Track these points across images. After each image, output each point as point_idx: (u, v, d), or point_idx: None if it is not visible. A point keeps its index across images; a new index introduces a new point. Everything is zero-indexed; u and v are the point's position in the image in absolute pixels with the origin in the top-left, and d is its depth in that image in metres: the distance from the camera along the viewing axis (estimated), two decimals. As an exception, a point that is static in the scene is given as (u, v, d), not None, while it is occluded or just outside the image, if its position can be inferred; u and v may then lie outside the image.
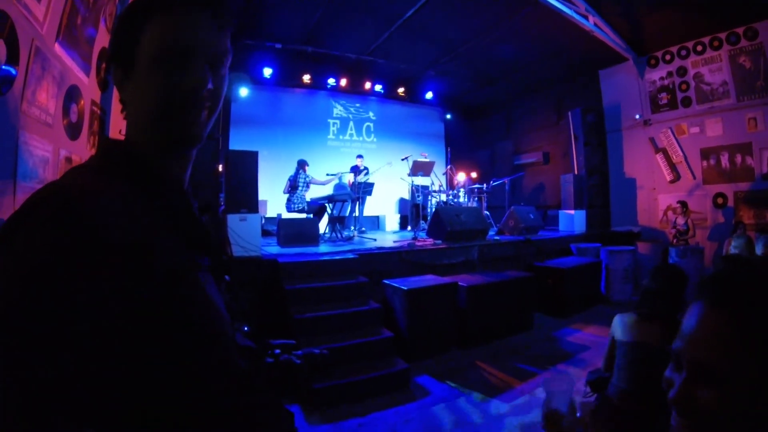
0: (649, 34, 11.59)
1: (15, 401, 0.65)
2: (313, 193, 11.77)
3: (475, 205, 12.78)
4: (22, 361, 0.67)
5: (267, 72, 13.69)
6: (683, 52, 11.65)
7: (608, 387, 3.05)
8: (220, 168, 8.08)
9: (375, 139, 16.99)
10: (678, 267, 3.14)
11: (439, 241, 9.36)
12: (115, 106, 4.74)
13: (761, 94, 10.23)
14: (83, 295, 0.71)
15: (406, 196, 14.07)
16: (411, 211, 12.62)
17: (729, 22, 10.45)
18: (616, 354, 3.06)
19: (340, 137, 16.36)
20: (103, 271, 0.74)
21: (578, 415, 1.22)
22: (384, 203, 15.74)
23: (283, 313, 6.34)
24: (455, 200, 13.01)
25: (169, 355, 0.82)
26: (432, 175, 12.13)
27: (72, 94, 3.57)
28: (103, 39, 4.22)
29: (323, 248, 8.60)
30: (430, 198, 12.93)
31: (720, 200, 11.14)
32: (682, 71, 11.72)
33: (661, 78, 12.23)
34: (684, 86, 11.72)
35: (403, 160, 11.74)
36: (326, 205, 10.79)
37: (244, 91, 12.67)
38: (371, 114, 17.00)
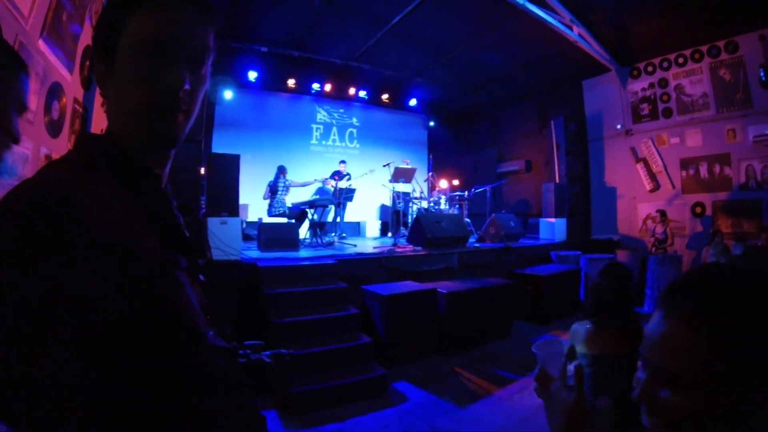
0: (633, 46, 11.74)
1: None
2: (295, 197, 11.74)
3: (456, 212, 12.81)
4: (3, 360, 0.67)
5: (252, 75, 13.63)
6: (665, 64, 11.80)
7: None
8: (202, 171, 8.04)
9: (358, 145, 16.97)
10: (622, 265, 3.20)
11: (420, 248, 9.38)
12: (98, 105, 4.71)
13: (740, 107, 10.39)
14: (59, 290, 0.71)
15: (388, 202, 14.06)
16: (392, 217, 12.61)
17: (710, 35, 10.61)
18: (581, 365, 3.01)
19: (323, 142, 16.33)
20: (80, 266, 0.74)
21: (570, 382, 1.23)
22: (365, 209, 15.68)
23: (261, 317, 6.31)
24: (436, 207, 13.02)
25: (145, 353, 0.81)
26: (413, 181, 12.16)
27: (54, 92, 3.55)
28: (87, 37, 4.19)
29: (303, 253, 8.56)
30: (411, 205, 12.95)
31: (698, 209, 11.28)
32: (663, 82, 11.87)
33: (643, 89, 12.37)
34: (665, 97, 11.87)
35: (384, 166, 11.73)
36: (307, 210, 10.76)
37: (228, 94, 12.64)
38: (355, 120, 16.98)
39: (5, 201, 0.77)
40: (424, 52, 13.01)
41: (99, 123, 4.82)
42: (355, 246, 10.14)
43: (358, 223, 15.55)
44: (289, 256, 8.03)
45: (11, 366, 0.67)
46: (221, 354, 1.05)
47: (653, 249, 11.11)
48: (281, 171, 11.23)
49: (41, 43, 3.26)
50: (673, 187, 11.83)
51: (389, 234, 13.14)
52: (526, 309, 9.18)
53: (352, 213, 14.21)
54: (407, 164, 12.67)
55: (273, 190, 11.06)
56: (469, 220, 12.67)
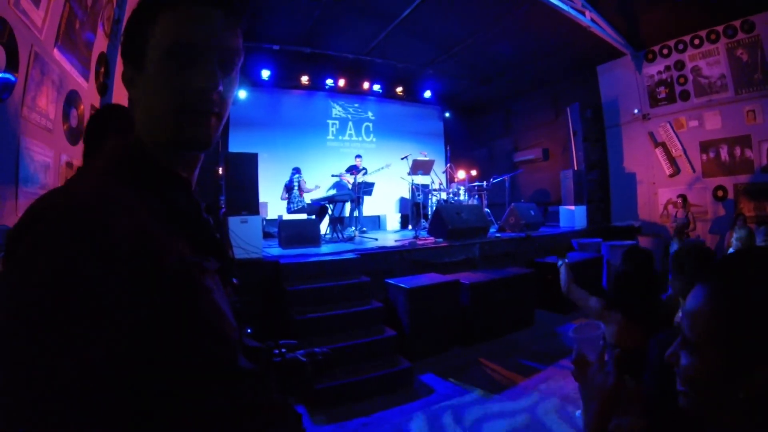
0: (647, 29, 11.61)
1: (27, 406, 0.66)
2: (313, 193, 11.78)
3: (475, 202, 12.75)
4: (31, 369, 0.67)
5: (265, 74, 13.68)
6: (680, 46, 11.66)
7: None
8: (220, 170, 8.07)
9: (374, 139, 16.99)
10: (645, 250, 3.19)
11: (441, 240, 9.35)
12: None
13: (759, 87, 10.25)
14: (92, 300, 0.71)
15: (407, 195, 14.02)
16: (411, 210, 12.58)
17: (726, 15, 10.46)
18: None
19: (340, 138, 16.37)
20: (111, 276, 0.74)
21: (609, 368, 1.23)
22: (384, 203, 15.73)
23: (284, 314, 6.34)
24: (455, 198, 12.97)
25: (178, 359, 0.82)
26: (432, 173, 12.12)
27: (71, 99, 3.57)
28: (101, 43, 4.23)
29: (324, 249, 8.57)
30: (430, 196, 12.91)
31: (720, 193, 11.16)
32: (679, 65, 11.74)
33: (659, 72, 12.25)
34: (682, 80, 11.74)
35: (402, 159, 11.73)
36: (327, 205, 10.78)
37: (242, 94, 12.68)
38: (370, 114, 17.00)
39: (34, 211, 0.78)
40: (435, 44, 12.99)
41: (117, 128, 4.85)
42: (376, 240, 10.12)
43: (378, 217, 15.59)
44: (311, 252, 8.03)
45: (38, 378, 0.67)
46: (253, 354, 1.06)
47: (675, 234, 11.00)
48: (296, 171, 11.32)
49: (56, 52, 3.28)
50: (693, 171, 11.71)
51: (410, 227, 13.11)
52: (548, 298, 9.09)
53: (371, 207, 14.27)
54: (425, 156, 12.64)
55: (289, 188, 11.13)
56: (488, 210, 12.64)
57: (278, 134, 14.78)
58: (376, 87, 16.12)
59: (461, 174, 13.82)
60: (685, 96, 11.73)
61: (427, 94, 17.25)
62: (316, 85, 15.22)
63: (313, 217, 10.63)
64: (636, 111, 12.92)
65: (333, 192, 11.42)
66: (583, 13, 10.41)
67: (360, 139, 16.75)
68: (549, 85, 15.80)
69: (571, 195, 12.74)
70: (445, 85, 16.84)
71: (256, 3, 9.98)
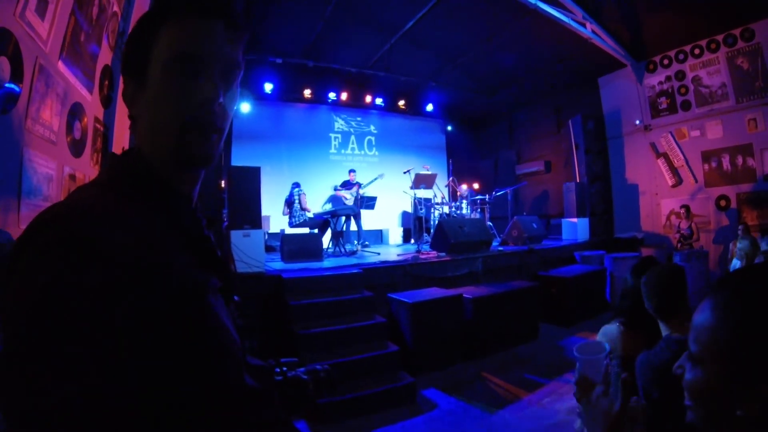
0: (647, 39, 11.68)
1: (33, 420, 0.65)
2: (316, 207, 11.80)
3: (478, 216, 12.76)
4: (34, 384, 0.66)
5: (268, 87, 13.73)
6: (681, 56, 11.71)
7: None
8: (223, 184, 8.08)
9: (377, 153, 17.01)
10: (655, 259, 3.14)
11: (443, 254, 9.33)
12: (119, 123, 4.75)
13: (760, 95, 10.27)
14: (93, 316, 0.70)
15: (409, 209, 14.01)
16: (414, 224, 12.59)
17: (726, 23, 10.52)
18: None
19: (342, 151, 16.40)
20: (112, 293, 0.73)
21: (612, 388, 1.20)
22: (387, 217, 15.73)
23: (287, 328, 6.30)
24: (458, 212, 12.96)
25: (180, 377, 0.81)
26: (434, 187, 12.13)
27: (75, 112, 3.58)
28: (105, 56, 4.24)
29: (327, 263, 8.55)
30: (432, 210, 12.87)
31: (723, 202, 11.14)
32: (680, 75, 11.78)
33: (660, 83, 12.28)
34: (683, 90, 11.77)
35: (405, 173, 11.76)
36: (329, 219, 10.78)
37: (245, 107, 12.73)
38: (372, 127, 17.04)
39: (35, 225, 0.78)
40: (437, 56, 13.09)
41: (120, 141, 4.87)
42: (379, 254, 10.11)
43: (381, 231, 15.58)
44: (313, 266, 8.01)
45: (41, 397, 0.66)
46: (256, 373, 1.04)
47: (678, 245, 11.01)
48: (295, 186, 11.35)
49: (61, 65, 3.29)
50: (696, 181, 11.70)
51: (412, 241, 13.12)
52: (551, 311, 9.08)
53: (374, 221, 14.28)
54: (427, 170, 12.67)
55: (290, 202, 11.17)
56: (491, 224, 12.63)
57: (281, 148, 14.82)
58: (379, 100, 16.15)
59: (463, 187, 13.83)
60: (686, 106, 11.75)
61: (430, 107, 17.29)
62: (319, 99, 15.27)
63: (316, 231, 10.63)
64: (637, 122, 12.93)
65: (329, 206, 11.44)
66: (584, 25, 10.47)
67: (362, 152, 16.77)
68: (551, 96, 15.85)
69: (574, 207, 12.75)
70: (447, 98, 16.91)
71: (260, 16, 10.05)
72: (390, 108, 16.77)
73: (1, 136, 2.56)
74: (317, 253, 9.10)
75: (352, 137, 16.65)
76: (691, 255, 10.09)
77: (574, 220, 12.72)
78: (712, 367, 0.92)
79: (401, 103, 16.69)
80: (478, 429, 5.19)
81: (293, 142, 15.09)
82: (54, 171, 3.20)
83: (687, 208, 11.06)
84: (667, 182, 12.35)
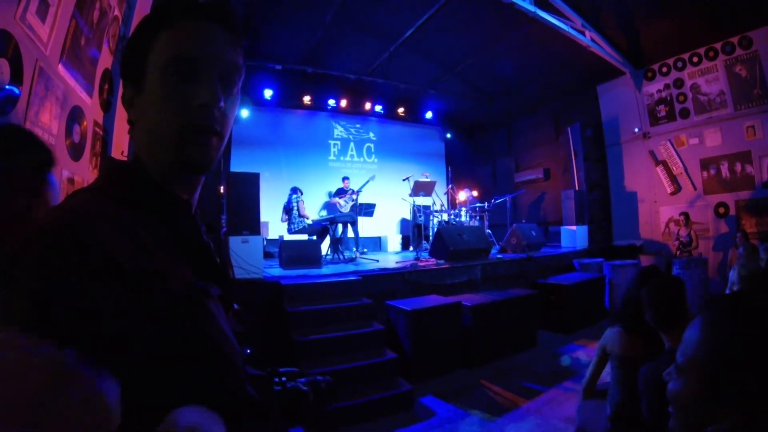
0: (646, 47, 11.73)
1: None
2: (313, 215, 11.80)
3: (476, 223, 12.77)
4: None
5: (267, 93, 13.77)
6: (679, 64, 11.75)
7: (607, 399, 3.16)
8: (222, 189, 8.07)
9: (376, 160, 17.01)
10: (658, 269, 3.23)
11: (442, 261, 9.32)
12: (118, 128, 4.75)
13: (758, 102, 10.31)
14: (90, 324, 0.69)
15: (408, 216, 14.04)
16: (413, 231, 12.59)
17: (723, 31, 10.58)
18: (611, 365, 3.19)
19: (341, 158, 16.40)
20: (110, 299, 0.71)
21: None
22: (385, 224, 15.73)
23: (285, 335, 6.27)
24: (457, 219, 12.98)
25: (181, 386, 0.80)
26: (433, 194, 12.14)
27: (75, 115, 3.57)
28: (106, 60, 4.24)
29: (326, 270, 8.53)
30: (431, 218, 12.91)
31: (722, 210, 11.15)
32: (679, 83, 11.82)
33: (659, 90, 12.32)
34: (681, 98, 11.80)
35: (404, 180, 11.77)
36: (328, 226, 10.77)
37: (244, 113, 12.74)
38: (372, 134, 17.05)
39: (30, 232, 0.76)
40: (436, 63, 13.13)
41: (119, 145, 4.87)
42: (377, 261, 10.09)
43: (379, 238, 15.59)
44: (312, 273, 7.99)
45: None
46: (255, 382, 1.03)
47: (677, 252, 11.00)
48: (293, 192, 11.35)
49: (61, 68, 3.29)
50: (695, 188, 11.72)
51: (411, 248, 13.11)
52: (550, 319, 9.07)
53: (372, 227, 14.28)
54: (426, 177, 12.68)
55: (288, 209, 11.16)
56: (490, 231, 12.62)
57: (280, 154, 14.81)
58: (378, 108, 16.22)
59: (462, 195, 13.83)
60: (684, 114, 11.78)
61: (429, 114, 17.34)
62: (318, 105, 15.29)
63: (314, 237, 10.62)
64: (636, 130, 12.96)
65: (324, 213, 11.44)
66: (583, 33, 10.52)
67: (361, 159, 16.78)
68: (550, 104, 15.91)
69: (573, 215, 12.75)
70: (446, 105, 16.98)
71: (260, 22, 10.08)
72: (389, 115, 16.83)
73: (0, 139, 2.52)
74: (316, 259, 9.09)
75: (351, 144, 16.66)
76: (690, 262, 10.08)
77: (573, 227, 12.72)
78: (692, 381, 0.99)
79: (400, 110, 16.75)
80: (476, 437, 5.18)
81: (292, 148, 15.09)
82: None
83: (686, 215, 11.07)
84: (666, 190, 12.37)
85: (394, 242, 15.62)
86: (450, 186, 14.27)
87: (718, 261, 10.88)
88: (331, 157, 16.21)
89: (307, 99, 14.72)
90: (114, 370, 0.69)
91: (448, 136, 18.88)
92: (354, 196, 11.97)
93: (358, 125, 16.76)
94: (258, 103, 13.73)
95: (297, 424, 1.34)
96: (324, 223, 10.81)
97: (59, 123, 3.30)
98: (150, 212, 0.93)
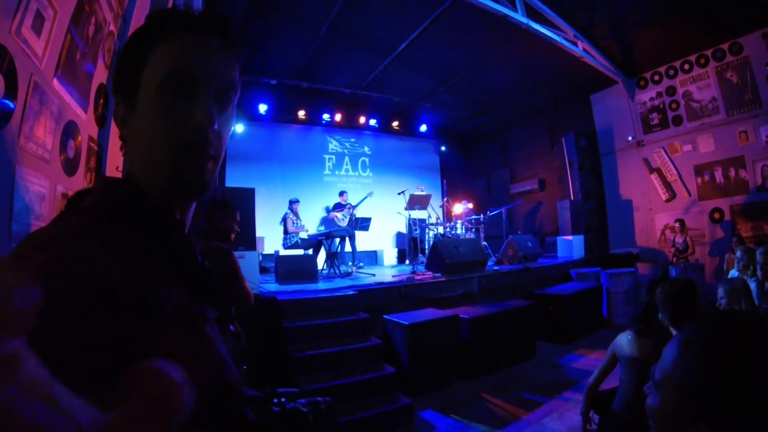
0: (637, 56, 11.83)
1: None
2: (311, 229, 11.80)
3: (473, 236, 12.75)
4: None
5: (262, 108, 13.82)
6: (671, 72, 11.86)
7: (614, 401, 3.24)
8: (217, 205, 8.05)
9: (371, 174, 17.02)
10: (675, 280, 3.23)
11: (439, 274, 9.29)
12: (113, 143, 4.73)
13: (750, 107, 10.39)
14: (82, 351, 0.65)
15: (403, 230, 14.07)
16: (408, 244, 12.61)
17: (714, 38, 10.69)
18: (620, 367, 3.30)
19: (336, 172, 16.41)
20: (103, 326, 0.68)
21: None
22: (381, 238, 15.74)
23: (282, 351, 6.24)
24: (453, 232, 12.96)
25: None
26: (429, 208, 12.14)
27: (69, 130, 3.55)
28: (101, 75, 4.23)
29: (322, 285, 8.50)
30: (427, 231, 12.90)
31: (717, 215, 11.19)
32: (671, 90, 11.91)
33: (651, 99, 12.42)
34: (674, 105, 11.89)
35: (399, 194, 11.78)
36: (323, 241, 10.75)
37: (240, 128, 12.77)
38: (366, 149, 17.07)
39: (18, 252, 0.72)
40: (430, 76, 13.17)
41: (114, 161, 4.84)
42: (374, 275, 10.09)
43: (375, 252, 15.56)
44: (308, 288, 7.96)
45: None
46: (254, 404, 1.02)
47: (674, 259, 11.01)
48: (289, 204, 11.36)
49: (55, 82, 3.28)
50: (689, 194, 11.78)
51: (407, 261, 13.14)
52: (549, 330, 9.07)
53: (368, 242, 14.27)
54: (422, 190, 12.71)
55: (283, 223, 11.17)
56: (486, 244, 12.60)
57: (275, 169, 14.82)
58: (373, 121, 16.28)
59: (458, 208, 13.84)
60: (677, 121, 11.86)
61: (423, 128, 17.44)
62: (313, 120, 15.35)
63: (310, 252, 10.60)
64: (630, 138, 13.03)
65: (323, 229, 11.42)
66: (575, 44, 10.59)
67: (357, 173, 16.79)
68: (544, 114, 16.01)
69: (569, 225, 12.77)
70: (441, 118, 17.04)
71: (254, 37, 10.11)
72: (384, 129, 16.88)
73: (-6, 153, 2.53)
74: (312, 274, 9.05)
75: (346, 158, 16.67)
76: (687, 268, 10.10)
77: (570, 237, 12.73)
78: (666, 397, 1.00)
79: (395, 123, 16.80)
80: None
81: (287, 163, 15.10)
82: (47, 190, 3.17)
83: (681, 222, 11.08)
84: (660, 197, 12.41)
85: (390, 256, 15.60)
86: (445, 199, 14.25)
87: (715, 266, 10.89)
88: (326, 172, 16.22)
89: (301, 113, 14.77)
90: (106, 395, 0.66)
91: (443, 148, 18.93)
92: (351, 211, 11.98)
93: (352, 139, 16.78)
94: (253, 117, 13.79)
95: None
96: (319, 238, 10.79)
97: (54, 138, 3.28)
98: (144, 232, 0.90)
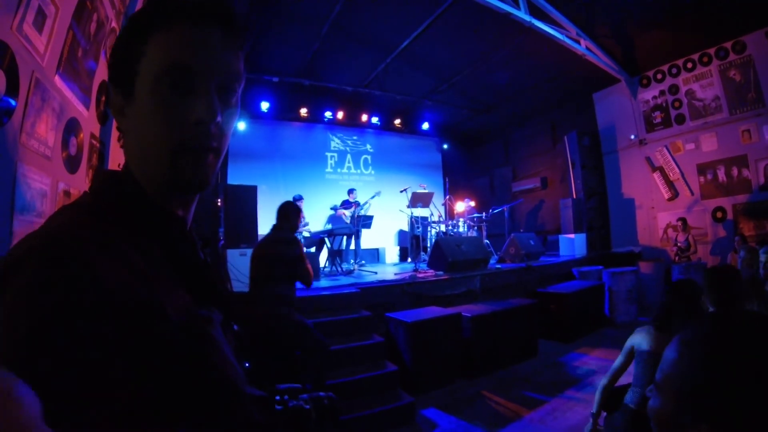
0: (640, 55, 11.80)
1: None
2: (313, 226, 11.76)
3: (475, 234, 12.73)
4: None
5: (264, 106, 13.78)
6: (674, 70, 11.83)
7: (627, 395, 3.26)
8: (219, 202, 8.04)
9: (373, 172, 17.01)
10: (693, 282, 3.30)
11: (441, 272, 9.28)
12: (115, 140, 4.74)
13: (753, 106, 10.37)
14: (84, 362, 0.63)
15: (406, 227, 14.04)
16: (411, 242, 12.58)
17: (717, 37, 10.67)
18: (635, 362, 3.30)
19: (338, 170, 16.40)
20: (104, 335, 0.65)
21: None
22: (383, 236, 15.72)
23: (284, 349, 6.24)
24: (455, 230, 12.96)
25: (189, 420, 0.76)
26: (431, 205, 12.13)
27: (71, 127, 3.55)
28: (103, 72, 4.22)
29: (324, 283, 8.50)
30: (429, 229, 12.90)
31: (719, 214, 11.18)
32: (674, 89, 11.88)
33: (654, 97, 12.40)
34: (677, 104, 11.87)
35: (402, 192, 11.76)
36: (325, 239, 10.74)
37: (242, 125, 12.75)
38: (368, 146, 17.06)
39: (11, 259, 0.70)
40: (432, 74, 13.16)
41: (116, 157, 4.84)
42: (376, 273, 10.09)
43: (377, 250, 15.58)
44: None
45: None
46: (258, 405, 0.98)
47: (676, 258, 10.98)
48: (294, 200, 11.34)
49: (57, 79, 3.27)
50: (692, 193, 11.76)
51: (409, 259, 13.10)
52: (551, 328, 9.04)
53: (370, 240, 14.26)
54: (424, 188, 12.67)
55: None
56: (488, 242, 12.60)
57: (277, 166, 14.81)
58: (375, 119, 16.24)
59: (460, 206, 13.82)
60: (680, 119, 11.84)
61: (425, 126, 17.38)
62: (315, 118, 15.31)
63: (312, 249, 10.59)
64: (632, 137, 13.03)
65: (329, 226, 11.40)
66: (578, 42, 10.56)
67: (359, 171, 16.78)
68: (546, 113, 15.98)
69: (571, 223, 12.76)
70: (443, 116, 17.03)
71: (257, 35, 10.10)
72: (386, 127, 16.84)
73: (-5, 150, 2.54)
74: (314, 272, 9.03)
75: (348, 156, 16.66)
76: (689, 267, 10.07)
77: (572, 236, 12.71)
78: (666, 398, 1.00)
79: (397, 121, 16.76)
80: (479, 448, 5.14)
81: (289, 161, 15.09)
82: (48, 187, 3.16)
83: (684, 220, 11.06)
84: (663, 196, 12.40)
85: (392, 254, 15.63)
86: (448, 197, 14.24)
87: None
88: (328, 170, 16.21)
89: (303, 111, 14.74)
90: (116, 409, 0.63)
91: (445, 147, 18.90)
92: (356, 209, 11.96)
93: (355, 137, 16.77)
94: (255, 115, 13.77)
95: None
96: (321, 236, 10.77)
97: (55, 135, 3.28)
98: (143, 231, 0.87)
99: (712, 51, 10.98)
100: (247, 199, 7.66)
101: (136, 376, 0.67)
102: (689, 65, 11.48)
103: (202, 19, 0.89)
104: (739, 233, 10.15)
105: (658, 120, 12.35)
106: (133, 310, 0.70)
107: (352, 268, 10.81)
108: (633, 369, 3.34)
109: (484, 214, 13.25)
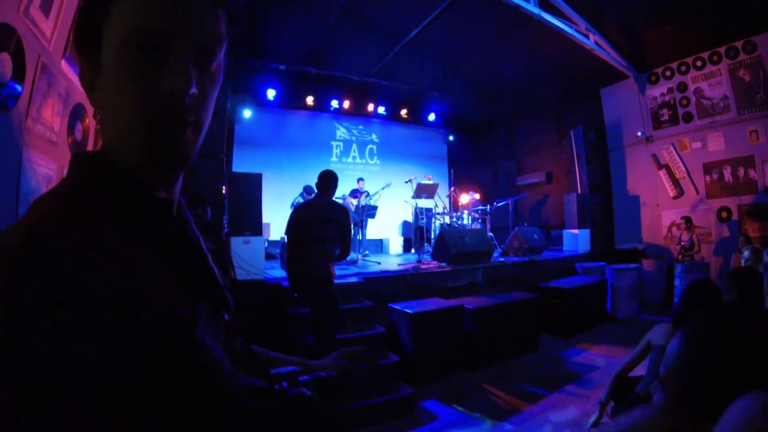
0: (649, 51, 11.70)
1: None
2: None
3: (479, 226, 12.71)
4: None
5: (270, 94, 13.79)
6: (683, 68, 11.74)
7: (639, 385, 3.32)
8: (224, 190, 8.03)
9: (378, 162, 17.03)
10: (713, 284, 3.37)
11: (444, 264, 9.29)
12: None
13: (762, 107, 10.30)
14: (64, 362, 0.59)
15: (410, 218, 14.03)
16: (415, 233, 12.58)
17: (727, 36, 10.57)
18: (650, 356, 3.40)
19: (343, 160, 16.43)
20: (85, 331, 0.61)
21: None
22: (387, 226, 15.75)
23: (286, 337, 6.25)
24: (459, 222, 12.94)
25: (174, 422, 0.72)
26: (436, 197, 12.11)
27: (77, 112, 3.54)
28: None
29: (327, 271, 8.47)
30: (433, 220, 12.89)
31: (724, 214, 11.13)
32: (682, 87, 11.80)
33: (662, 94, 12.30)
34: (685, 101, 11.79)
35: (407, 182, 11.76)
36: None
37: (247, 113, 12.71)
38: (374, 136, 17.06)
39: None
40: (440, 65, 13.13)
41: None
42: (379, 263, 10.08)
43: (381, 240, 15.54)
44: (314, 274, 7.95)
45: None
46: (256, 396, 0.96)
47: (679, 257, 10.96)
48: (305, 191, 11.31)
49: (64, 64, 3.26)
50: (697, 192, 11.71)
51: (412, 250, 13.12)
52: (552, 323, 9.02)
53: (374, 230, 14.22)
54: (429, 179, 12.65)
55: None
56: (492, 235, 12.57)
57: (282, 155, 14.85)
58: (381, 109, 16.24)
59: (465, 198, 13.80)
60: (688, 118, 11.77)
61: (432, 116, 17.39)
62: (321, 107, 15.32)
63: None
64: (639, 133, 12.95)
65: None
66: (587, 36, 10.51)
67: (364, 161, 16.80)
68: (553, 106, 15.91)
69: (575, 218, 12.75)
70: (449, 107, 17.01)
71: (263, 22, 10.07)
72: (392, 117, 16.84)
73: (1, 135, 2.52)
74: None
75: (354, 146, 16.69)
76: (692, 266, 10.05)
77: (575, 231, 12.71)
78: (669, 393, 1.01)
79: (403, 112, 16.75)
80: (478, 441, 5.14)
81: (295, 149, 15.13)
82: (54, 172, 3.15)
83: (688, 219, 11.03)
84: (668, 193, 12.35)
85: (395, 244, 15.62)
86: (452, 188, 14.21)
87: (720, 265, 10.85)
88: (334, 159, 16.24)
89: (310, 100, 14.72)
90: (96, 414, 0.60)
91: (451, 138, 18.90)
92: (362, 198, 11.96)
93: (360, 126, 16.77)
94: (261, 103, 13.75)
95: (304, 430, 1.26)
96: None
97: (61, 120, 3.27)
98: (125, 217, 0.79)
99: (722, 50, 10.89)
100: (252, 187, 7.63)
101: (117, 378, 0.63)
102: (699, 63, 11.40)
103: None
104: (743, 234, 10.12)
105: (666, 117, 12.28)
106: (113, 306, 0.66)
107: (355, 258, 10.81)
108: (647, 362, 3.41)
109: (488, 206, 13.19)
